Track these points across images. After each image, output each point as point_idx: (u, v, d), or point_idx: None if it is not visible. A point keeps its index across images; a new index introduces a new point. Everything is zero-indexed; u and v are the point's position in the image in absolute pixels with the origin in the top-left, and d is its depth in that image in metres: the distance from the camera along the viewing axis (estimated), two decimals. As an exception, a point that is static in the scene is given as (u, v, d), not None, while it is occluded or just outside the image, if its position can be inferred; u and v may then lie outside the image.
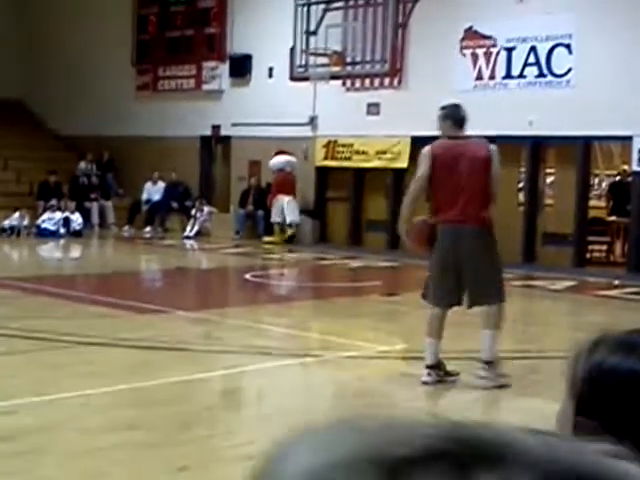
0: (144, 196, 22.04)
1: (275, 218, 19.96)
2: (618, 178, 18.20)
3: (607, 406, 1.05)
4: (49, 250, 18.72)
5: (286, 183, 19.84)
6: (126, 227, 21.80)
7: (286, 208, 19.71)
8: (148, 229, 21.59)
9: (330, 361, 8.11)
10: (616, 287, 13.85)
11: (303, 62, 19.47)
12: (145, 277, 15.77)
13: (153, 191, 22.11)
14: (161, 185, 22.07)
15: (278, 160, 19.84)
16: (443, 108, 7.34)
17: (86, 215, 21.42)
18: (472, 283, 7.08)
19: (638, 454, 1.01)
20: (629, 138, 15.62)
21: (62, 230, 20.25)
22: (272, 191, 20.03)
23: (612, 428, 1.03)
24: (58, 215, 20.45)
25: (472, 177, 7.01)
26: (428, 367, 7.14)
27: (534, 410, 7.04)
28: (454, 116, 7.21)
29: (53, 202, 20.71)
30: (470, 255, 7.01)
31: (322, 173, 20.06)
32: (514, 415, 6.67)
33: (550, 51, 16.56)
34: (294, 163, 19.75)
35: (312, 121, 19.75)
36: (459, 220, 6.98)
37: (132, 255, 18.31)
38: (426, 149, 7.17)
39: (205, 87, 22.06)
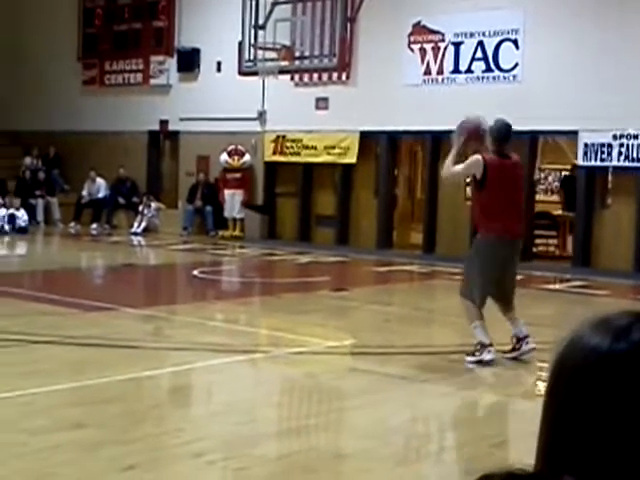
0: (84, 193, 21.84)
1: (226, 213, 20.18)
2: (569, 173, 18.31)
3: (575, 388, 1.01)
4: (-6, 247, 18.44)
5: (234, 178, 20.04)
6: (72, 224, 21.54)
7: (234, 203, 19.92)
8: (94, 226, 21.36)
9: (279, 357, 8.09)
10: (561, 281, 14.00)
11: (252, 56, 19.41)
12: (92, 274, 15.59)
13: (94, 189, 21.88)
14: (100, 182, 21.85)
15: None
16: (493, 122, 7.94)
17: (31, 212, 21.13)
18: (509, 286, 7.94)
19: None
20: (574, 133, 15.79)
21: (7, 227, 19.97)
22: (220, 186, 20.23)
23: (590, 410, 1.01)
24: (3, 212, 20.15)
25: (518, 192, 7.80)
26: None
27: (467, 399, 7.11)
28: (492, 133, 7.91)
29: (-3, 198, 20.43)
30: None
31: (271, 168, 20.01)
32: (439, 402, 6.72)
33: (497, 46, 16.68)
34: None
35: (261, 116, 19.69)
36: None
37: (78, 252, 18.08)
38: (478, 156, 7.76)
39: (153, 81, 21.88)
